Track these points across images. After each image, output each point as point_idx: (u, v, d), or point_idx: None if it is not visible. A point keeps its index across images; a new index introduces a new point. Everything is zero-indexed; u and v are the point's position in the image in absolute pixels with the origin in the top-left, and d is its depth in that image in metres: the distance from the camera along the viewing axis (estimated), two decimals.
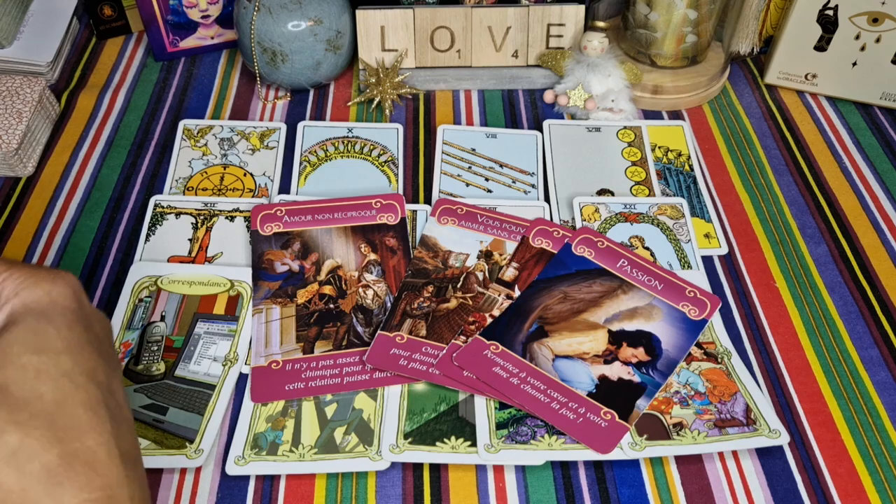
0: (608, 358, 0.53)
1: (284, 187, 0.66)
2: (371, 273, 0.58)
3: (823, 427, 0.51)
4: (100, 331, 0.38)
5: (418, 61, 0.75)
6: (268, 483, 0.48)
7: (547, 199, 0.65)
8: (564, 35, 0.74)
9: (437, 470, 0.49)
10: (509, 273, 0.58)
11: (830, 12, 0.71)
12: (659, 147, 0.70)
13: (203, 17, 0.78)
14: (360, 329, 0.55)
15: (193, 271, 0.58)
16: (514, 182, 0.67)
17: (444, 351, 0.53)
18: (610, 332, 0.54)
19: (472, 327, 0.55)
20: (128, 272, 0.58)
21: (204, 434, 0.49)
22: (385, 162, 0.68)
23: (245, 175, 0.66)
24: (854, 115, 0.74)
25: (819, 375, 0.54)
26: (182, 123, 0.70)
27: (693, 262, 0.60)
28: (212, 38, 0.79)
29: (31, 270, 0.37)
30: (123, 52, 0.80)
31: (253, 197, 0.64)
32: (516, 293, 0.57)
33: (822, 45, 0.73)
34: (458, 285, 0.57)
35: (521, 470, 0.49)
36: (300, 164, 0.67)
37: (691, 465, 0.49)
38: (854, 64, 0.73)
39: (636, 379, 0.52)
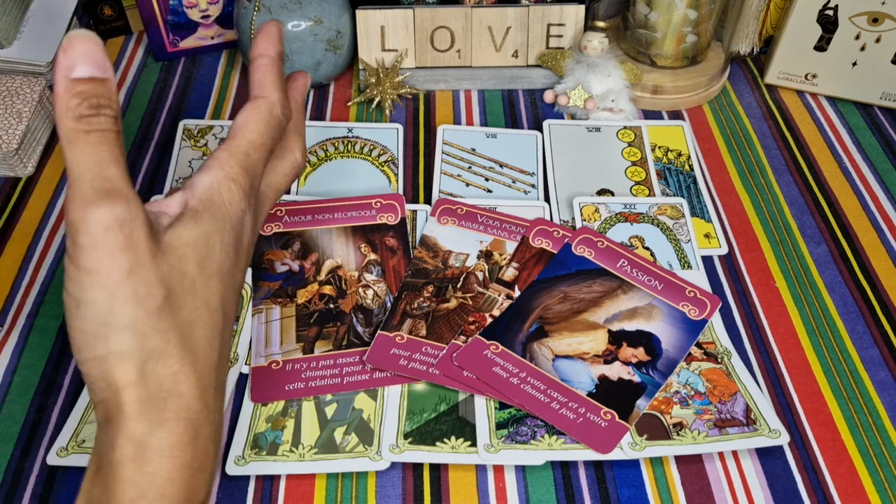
0: (608, 358, 0.53)
1: None
2: (371, 273, 0.58)
3: (823, 427, 0.51)
4: (244, 262, 0.39)
5: (418, 61, 0.75)
6: (268, 483, 0.48)
7: (547, 199, 0.65)
8: (564, 35, 0.74)
9: (437, 470, 0.49)
10: (509, 273, 0.58)
11: (830, 12, 0.71)
12: (659, 147, 0.70)
13: (203, 17, 0.78)
14: (360, 329, 0.55)
15: None
16: (514, 182, 0.67)
17: (444, 351, 0.53)
18: (610, 332, 0.54)
19: (472, 327, 0.55)
20: None
21: None
22: (385, 162, 0.68)
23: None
24: (854, 115, 0.74)
25: (819, 375, 0.54)
26: (182, 123, 0.70)
27: (693, 262, 0.60)
28: (212, 38, 0.79)
29: (240, 169, 0.38)
30: (123, 52, 0.80)
31: None
32: (516, 293, 0.57)
33: (822, 45, 0.73)
34: (458, 285, 0.57)
35: (521, 470, 0.49)
36: None
37: (691, 465, 0.49)
38: (854, 64, 0.73)
39: (636, 379, 0.52)
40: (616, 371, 0.52)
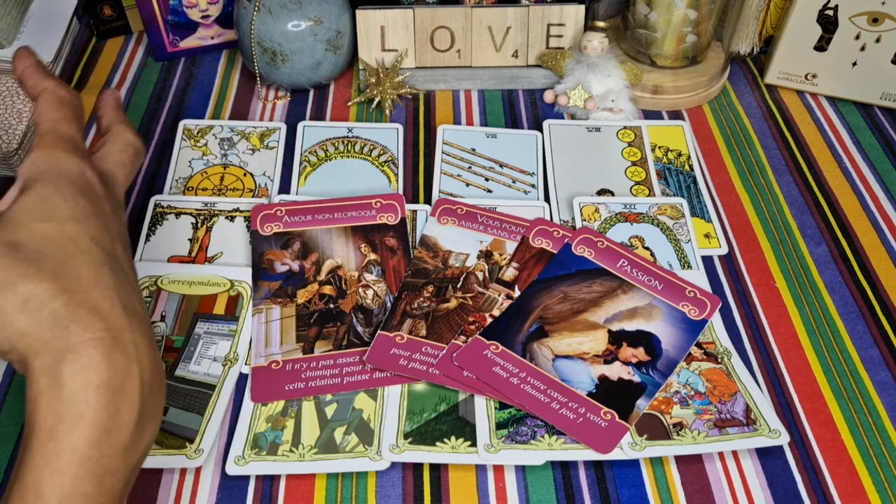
0: (608, 358, 0.53)
1: (284, 187, 0.66)
2: (371, 273, 0.58)
3: (823, 427, 0.51)
4: (108, 208, 0.41)
5: (418, 61, 0.75)
6: (268, 483, 0.48)
7: (547, 199, 0.65)
8: (564, 35, 0.74)
9: (437, 470, 0.49)
10: (509, 273, 0.58)
11: (830, 12, 0.71)
12: (659, 147, 0.70)
13: (203, 17, 0.78)
14: (360, 329, 0.55)
15: (193, 271, 0.58)
16: (514, 182, 0.67)
17: (444, 351, 0.53)
18: (610, 332, 0.54)
19: (472, 327, 0.55)
20: None
21: (204, 434, 0.49)
22: (385, 162, 0.68)
23: (245, 175, 0.66)
24: (854, 115, 0.74)
25: (819, 375, 0.54)
26: (182, 123, 0.70)
27: (693, 262, 0.60)
28: (212, 38, 0.79)
29: (54, 140, 0.42)
30: (123, 52, 0.80)
31: (253, 197, 0.64)
32: (516, 293, 0.57)
33: (822, 45, 0.73)
34: (458, 285, 0.57)
35: (521, 470, 0.49)
36: (300, 164, 0.67)
37: (691, 465, 0.49)
38: (854, 64, 0.73)
39: (636, 379, 0.52)
40: (616, 371, 0.52)
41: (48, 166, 0.40)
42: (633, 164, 0.68)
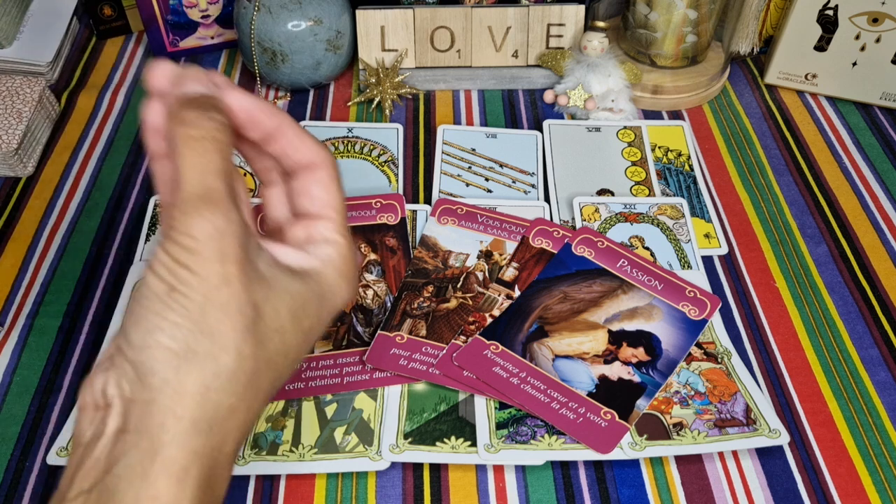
0: (608, 358, 0.53)
1: None
2: (371, 273, 0.58)
3: (823, 427, 0.51)
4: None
5: (418, 61, 0.75)
6: (268, 483, 0.48)
7: (547, 199, 0.65)
8: (564, 35, 0.74)
9: (437, 470, 0.49)
10: (509, 273, 0.58)
11: (830, 12, 0.71)
12: (659, 147, 0.70)
13: (203, 17, 0.78)
14: (360, 329, 0.55)
15: None
16: (514, 182, 0.67)
17: (444, 351, 0.53)
18: (610, 332, 0.54)
19: (472, 327, 0.55)
20: (128, 272, 0.58)
21: None
22: (385, 162, 0.68)
23: (245, 175, 0.66)
24: (854, 115, 0.74)
25: (819, 375, 0.54)
26: None
27: (693, 262, 0.60)
28: (212, 38, 0.79)
29: (340, 225, 0.35)
30: (123, 52, 0.80)
31: (253, 197, 0.64)
32: (516, 293, 0.57)
33: (822, 45, 0.73)
34: (458, 285, 0.57)
35: (521, 470, 0.49)
36: None
37: (691, 465, 0.49)
38: (854, 64, 0.73)
39: (636, 379, 0.52)
40: (616, 371, 0.52)
41: (338, 272, 0.34)
42: (633, 164, 0.68)
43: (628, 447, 0.49)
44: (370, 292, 0.57)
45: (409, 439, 0.49)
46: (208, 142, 0.31)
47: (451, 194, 0.65)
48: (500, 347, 0.53)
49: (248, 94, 0.33)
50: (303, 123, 0.71)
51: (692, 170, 0.68)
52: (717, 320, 0.56)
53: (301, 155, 0.35)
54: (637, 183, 0.67)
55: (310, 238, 0.35)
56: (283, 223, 0.36)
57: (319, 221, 0.35)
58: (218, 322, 0.29)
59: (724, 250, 0.62)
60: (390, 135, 0.70)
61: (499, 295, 0.57)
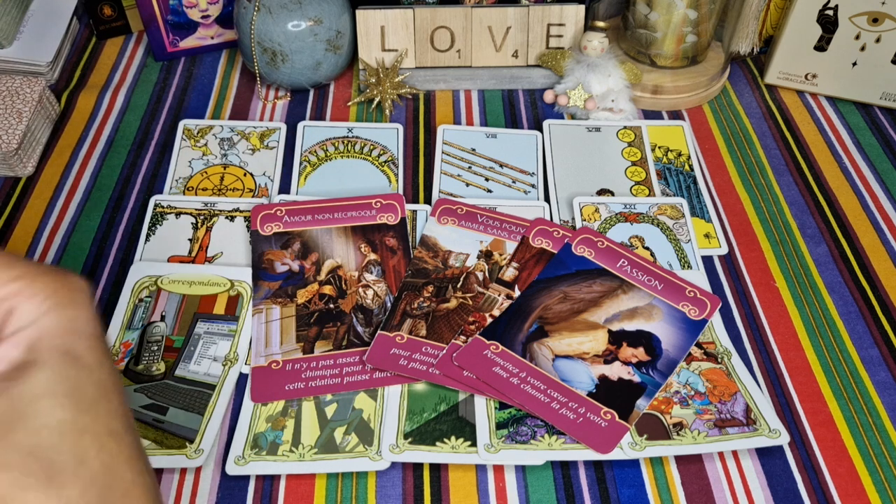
0: (608, 358, 0.53)
1: (284, 187, 0.66)
2: (371, 273, 0.58)
3: (823, 427, 0.51)
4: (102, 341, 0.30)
5: (418, 61, 0.75)
6: (268, 483, 0.48)
7: (547, 199, 0.65)
8: (564, 35, 0.74)
9: (437, 470, 0.49)
10: (509, 273, 0.58)
11: (830, 12, 0.71)
12: (659, 147, 0.70)
13: (203, 17, 0.78)
14: (360, 329, 0.55)
15: (193, 271, 0.58)
16: (514, 182, 0.67)
17: (444, 351, 0.53)
18: (610, 332, 0.54)
19: (472, 327, 0.55)
20: (128, 272, 0.58)
21: (204, 434, 0.49)
22: (385, 162, 0.68)
23: (245, 175, 0.66)
24: (854, 115, 0.74)
25: (819, 375, 0.54)
26: (182, 123, 0.70)
27: (693, 262, 0.60)
28: (212, 38, 0.79)
29: (45, 283, 0.28)
30: (123, 52, 0.80)
31: (253, 197, 0.64)
32: (516, 293, 0.57)
33: (822, 45, 0.73)
34: (458, 285, 0.57)
35: (521, 470, 0.49)
36: (300, 164, 0.67)
37: (691, 465, 0.49)
38: (854, 64, 0.73)
39: (636, 379, 0.52)
40: (616, 371, 0.52)
41: (60, 327, 0.28)
42: (633, 164, 0.68)
43: (628, 447, 0.49)
44: (370, 292, 0.57)
45: (409, 439, 0.49)
46: None
47: (451, 194, 0.65)
48: (500, 347, 0.53)
49: None
50: (303, 123, 0.71)
51: (692, 170, 0.68)
52: (717, 320, 0.56)
53: None
54: (637, 183, 0.67)
55: None
56: None
57: None
58: None
59: (724, 250, 0.62)
60: (390, 135, 0.70)
61: (499, 295, 0.57)
